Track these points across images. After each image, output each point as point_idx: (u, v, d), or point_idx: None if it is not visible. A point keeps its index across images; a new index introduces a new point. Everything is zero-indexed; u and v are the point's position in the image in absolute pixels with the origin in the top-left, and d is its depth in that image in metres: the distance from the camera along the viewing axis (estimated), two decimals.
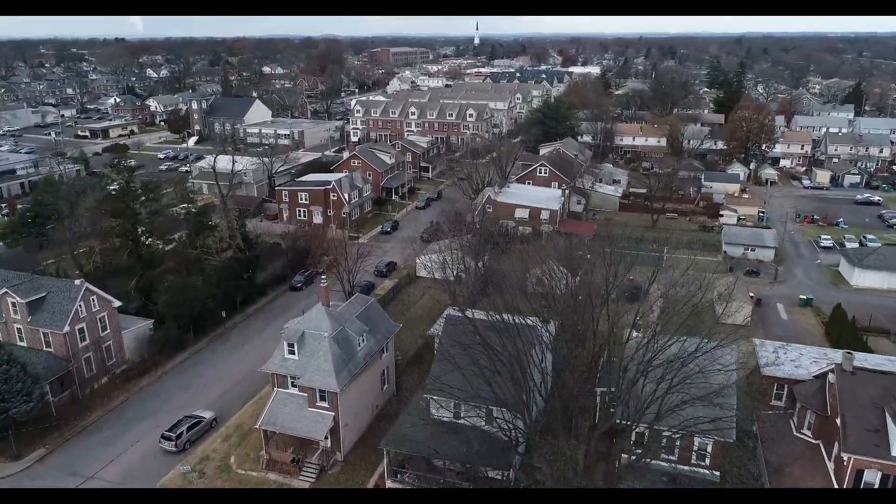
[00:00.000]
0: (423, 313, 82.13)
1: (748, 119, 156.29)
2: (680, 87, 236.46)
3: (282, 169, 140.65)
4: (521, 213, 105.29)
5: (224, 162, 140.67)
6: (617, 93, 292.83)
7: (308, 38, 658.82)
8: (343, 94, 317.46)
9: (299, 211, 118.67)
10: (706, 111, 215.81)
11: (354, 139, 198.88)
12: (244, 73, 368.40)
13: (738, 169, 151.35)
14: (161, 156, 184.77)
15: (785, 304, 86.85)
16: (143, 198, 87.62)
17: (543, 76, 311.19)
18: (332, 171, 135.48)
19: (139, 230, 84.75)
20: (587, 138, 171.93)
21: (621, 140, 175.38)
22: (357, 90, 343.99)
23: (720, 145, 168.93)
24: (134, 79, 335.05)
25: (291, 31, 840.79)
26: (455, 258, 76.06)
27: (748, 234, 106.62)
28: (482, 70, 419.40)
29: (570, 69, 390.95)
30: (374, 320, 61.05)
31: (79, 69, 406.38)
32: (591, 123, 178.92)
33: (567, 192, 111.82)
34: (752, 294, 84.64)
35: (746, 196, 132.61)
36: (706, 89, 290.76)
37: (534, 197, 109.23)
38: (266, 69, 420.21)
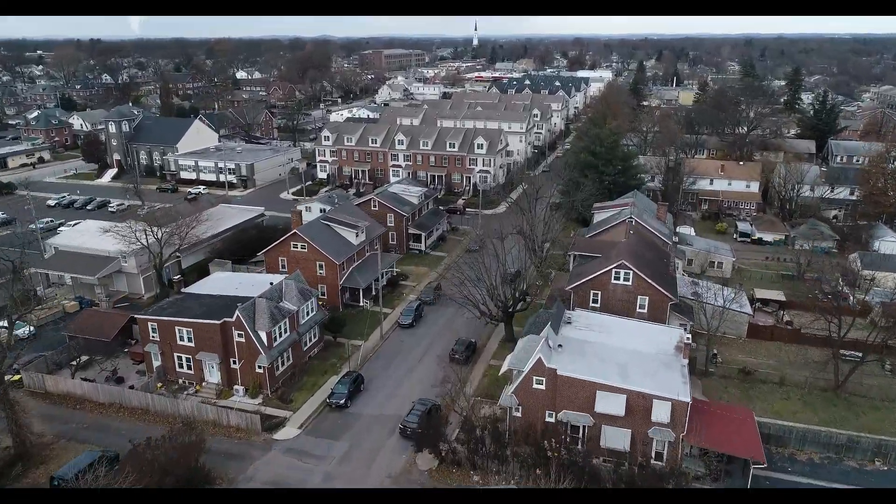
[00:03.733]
0: None
1: None
2: (755, 103, 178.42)
3: (184, 248, 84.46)
4: (606, 405, 49.25)
5: (90, 235, 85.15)
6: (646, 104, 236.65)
7: (297, 38, 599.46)
8: (322, 106, 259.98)
9: (179, 360, 62.57)
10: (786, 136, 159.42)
11: (322, 175, 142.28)
12: (215, 80, 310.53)
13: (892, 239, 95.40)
14: (52, 202, 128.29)
15: None
16: None
17: (557, 84, 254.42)
18: (261, 270, 79.80)
19: None
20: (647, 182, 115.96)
21: (693, 183, 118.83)
22: (340, 99, 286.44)
23: (838, 192, 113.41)
24: (79, 87, 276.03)
25: (286, 31, 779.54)
26: None
27: None
28: (483, 74, 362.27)
29: (581, 73, 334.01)
30: None
31: (30, 74, 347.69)
32: (648, 158, 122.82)
33: (688, 335, 55.89)
34: None
35: None
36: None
37: (627, 355, 53.10)
38: (242, 74, 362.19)
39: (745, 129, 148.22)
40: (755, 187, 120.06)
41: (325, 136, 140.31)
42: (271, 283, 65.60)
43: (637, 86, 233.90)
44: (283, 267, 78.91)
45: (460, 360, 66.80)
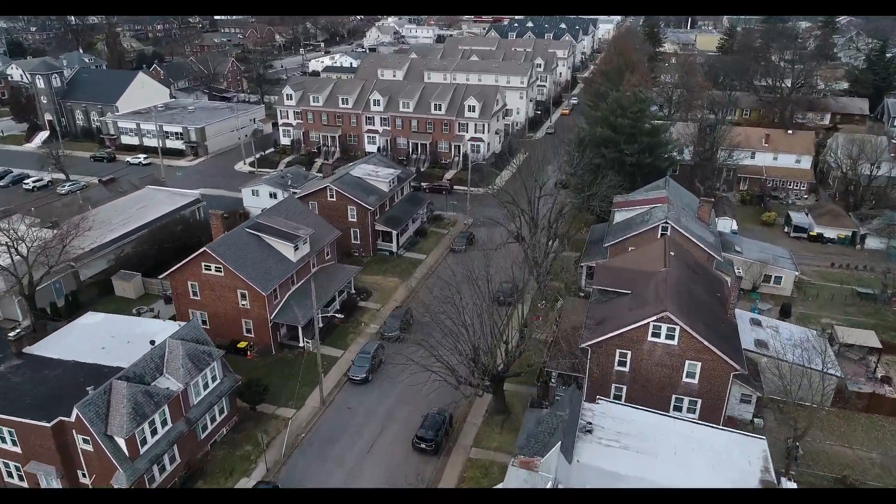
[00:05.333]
0: None
1: None
2: (784, 50, 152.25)
3: (71, 261, 62.75)
4: None
5: None
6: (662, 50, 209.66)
7: None
8: (302, 51, 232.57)
9: (6, 466, 41.87)
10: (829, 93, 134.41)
11: (285, 141, 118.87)
12: (189, 21, 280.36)
13: None
14: None
15: None
16: None
17: (563, 26, 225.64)
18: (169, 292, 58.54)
19: None
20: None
21: (729, 157, 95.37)
22: (324, 44, 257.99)
23: None
24: (35, 29, 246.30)
25: None
26: None
27: None
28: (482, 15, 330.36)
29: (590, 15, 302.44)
30: None
31: None
32: (675, 125, 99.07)
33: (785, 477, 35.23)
34: None
35: None
36: None
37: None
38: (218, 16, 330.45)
39: (789, 83, 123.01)
40: (807, 163, 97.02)
41: (287, 95, 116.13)
42: (152, 344, 44.33)
43: (653, 29, 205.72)
44: (195, 294, 57.48)
45: (428, 450, 46.12)
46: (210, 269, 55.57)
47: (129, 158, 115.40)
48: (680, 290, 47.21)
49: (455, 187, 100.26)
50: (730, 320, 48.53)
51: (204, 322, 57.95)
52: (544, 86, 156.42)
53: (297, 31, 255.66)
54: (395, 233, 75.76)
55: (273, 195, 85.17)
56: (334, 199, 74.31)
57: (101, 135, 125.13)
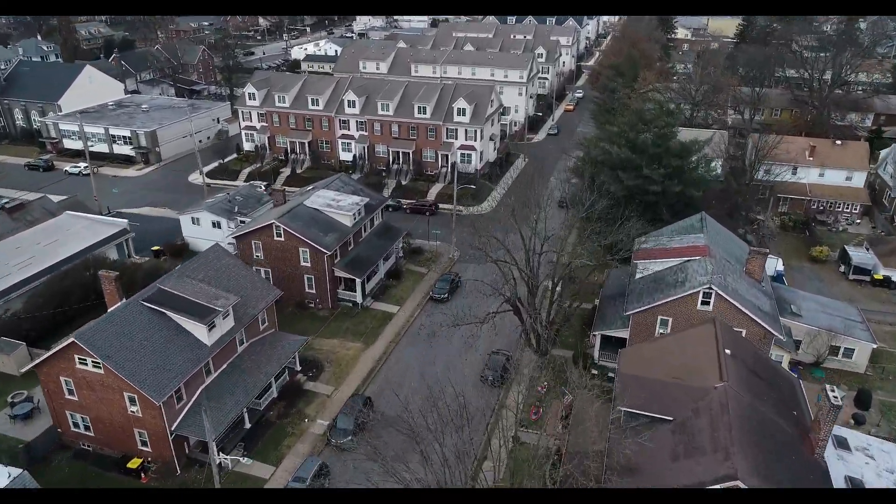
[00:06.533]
0: None
1: None
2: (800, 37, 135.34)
3: None
4: None
5: None
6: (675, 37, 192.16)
7: None
8: (286, 37, 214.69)
9: None
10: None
11: (249, 147, 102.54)
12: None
13: None
14: None
15: None
16: None
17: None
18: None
19: None
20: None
21: (766, 171, 78.90)
22: (309, 28, 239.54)
23: None
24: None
25: None
26: None
27: None
28: None
29: None
30: None
31: None
32: (698, 131, 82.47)
33: None
34: None
35: None
36: None
37: None
38: None
39: (828, 78, 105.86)
40: (860, 180, 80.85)
41: (249, 94, 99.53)
42: None
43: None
44: (72, 394, 41.97)
45: None
46: (86, 364, 40.00)
47: (67, 167, 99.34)
48: (746, 423, 31.67)
49: (441, 206, 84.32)
50: (817, 462, 33.02)
51: (87, 428, 42.59)
52: (546, 78, 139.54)
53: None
54: (360, 281, 59.97)
55: (216, 224, 69.65)
56: (282, 240, 58.53)
57: (42, 138, 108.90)
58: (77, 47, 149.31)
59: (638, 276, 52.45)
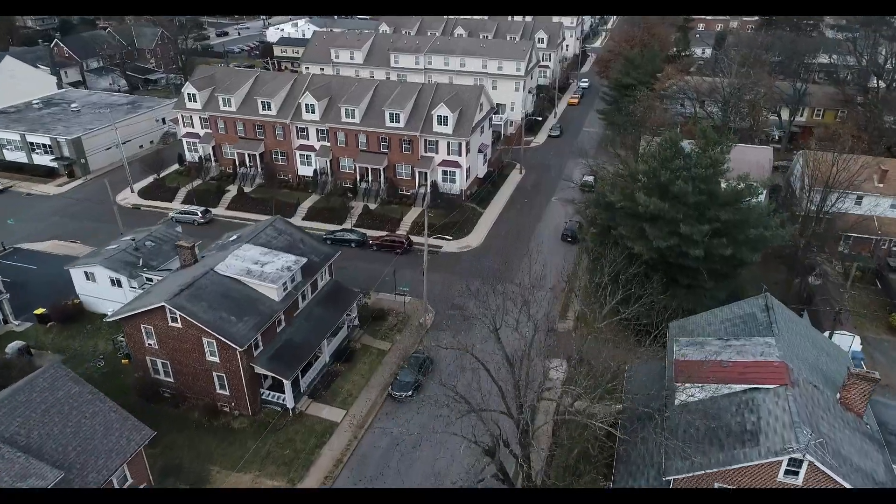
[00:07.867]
0: None
1: None
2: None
3: None
4: None
5: None
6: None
7: None
8: (264, 17, 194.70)
9: None
10: None
11: (192, 157, 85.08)
12: None
13: None
14: None
15: None
16: None
17: None
18: None
19: None
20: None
21: (824, 204, 61.54)
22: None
23: None
24: None
25: None
26: None
27: None
28: None
29: None
30: None
31: None
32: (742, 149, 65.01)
33: None
34: None
35: None
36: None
37: None
38: None
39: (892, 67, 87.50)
40: None
41: (189, 94, 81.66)
42: None
43: None
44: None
45: None
46: None
47: None
48: None
49: (417, 239, 67.12)
50: None
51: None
52: (548, 66, 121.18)
53: None
54: (288, 382, 43.22)
55: (116, 282, 52.77)
56: (179, 327, 41.77)
57: None
58: (12, 30, 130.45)
59: (679, 400, 35.65)
